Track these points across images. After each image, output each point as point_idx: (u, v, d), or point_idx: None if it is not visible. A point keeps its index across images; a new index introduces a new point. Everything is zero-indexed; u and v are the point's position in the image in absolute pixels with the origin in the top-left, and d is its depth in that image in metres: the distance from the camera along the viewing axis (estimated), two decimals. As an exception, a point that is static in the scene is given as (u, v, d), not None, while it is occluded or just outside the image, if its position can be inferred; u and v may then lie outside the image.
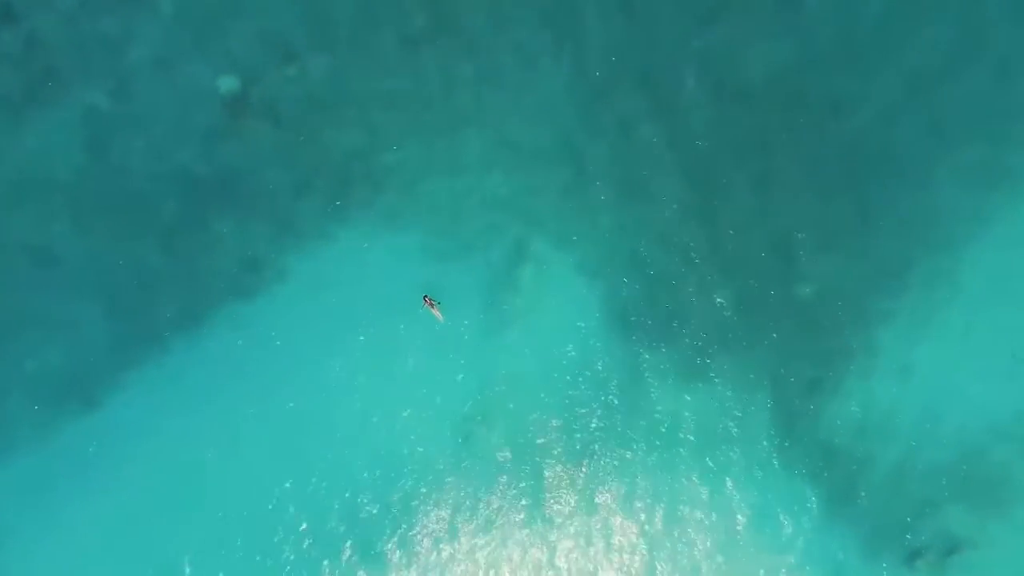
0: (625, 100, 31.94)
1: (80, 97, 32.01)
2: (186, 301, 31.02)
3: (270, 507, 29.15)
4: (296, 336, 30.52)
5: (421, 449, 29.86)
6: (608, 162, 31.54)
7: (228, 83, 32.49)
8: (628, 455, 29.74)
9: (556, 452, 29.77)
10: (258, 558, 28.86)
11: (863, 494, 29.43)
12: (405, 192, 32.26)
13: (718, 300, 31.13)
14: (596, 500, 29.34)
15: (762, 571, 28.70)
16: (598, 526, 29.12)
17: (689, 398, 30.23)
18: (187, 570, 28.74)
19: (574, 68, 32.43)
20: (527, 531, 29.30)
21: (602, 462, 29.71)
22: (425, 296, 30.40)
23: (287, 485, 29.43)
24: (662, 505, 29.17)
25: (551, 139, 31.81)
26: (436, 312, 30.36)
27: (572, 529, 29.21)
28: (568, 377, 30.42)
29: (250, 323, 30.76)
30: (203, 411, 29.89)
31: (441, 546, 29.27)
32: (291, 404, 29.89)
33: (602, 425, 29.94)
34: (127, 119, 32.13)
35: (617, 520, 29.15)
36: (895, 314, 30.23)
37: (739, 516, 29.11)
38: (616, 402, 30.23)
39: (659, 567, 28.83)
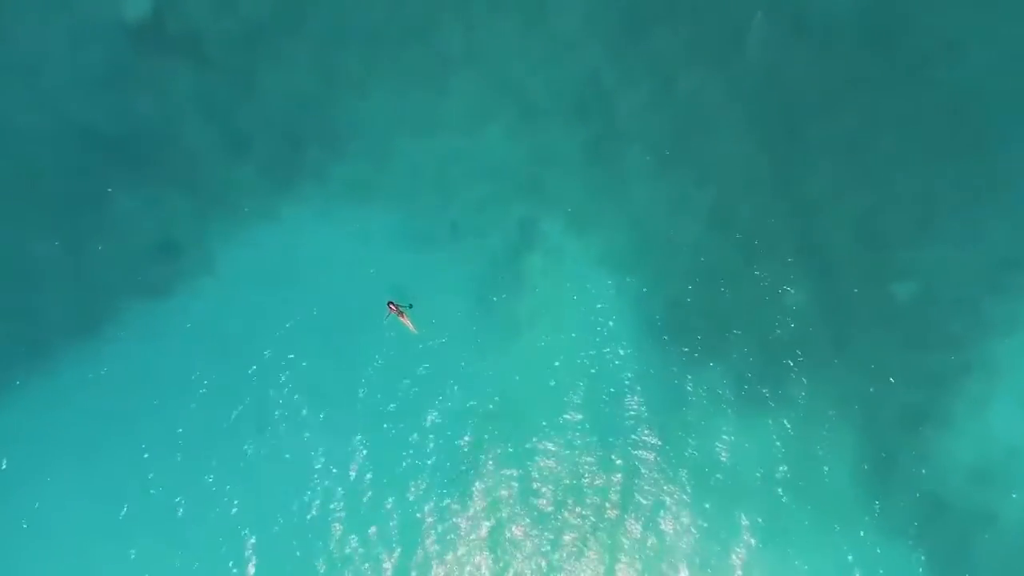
0: (668, 35, 24.85)
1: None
2: (79, 300, 23.54)
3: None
4: (223, 349, 22.94)
5: (392, 504, 22.08)
6: (643, 118, 24.69)
7: (136, 8, 24.50)
8: (667, 511, 22.16)
9: (572, 510, 22.11)
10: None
11: (979, 559, 21.88)
12: (372, 156, 24.94)
13: (788, 302, 23.67)
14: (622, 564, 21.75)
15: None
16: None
17: (749, 432, 22.71)
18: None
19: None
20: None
21: (633, 520, 22.06)
22: (391, 302, 22.74)
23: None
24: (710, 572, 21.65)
25: (568, 86, 25.10)
26: (406, 321, 22.63)
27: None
28: (585, 406, 22.93)
29: (163, 330, 23.25)
30: (95, 452, 21.89)
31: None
32: (213, 464, 22.03)
33: (630, 472, 22.35)
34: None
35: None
36: (1022, 321, 22.98)
37: (817, 588, 21.72)
38: (651, 439, 22.67)
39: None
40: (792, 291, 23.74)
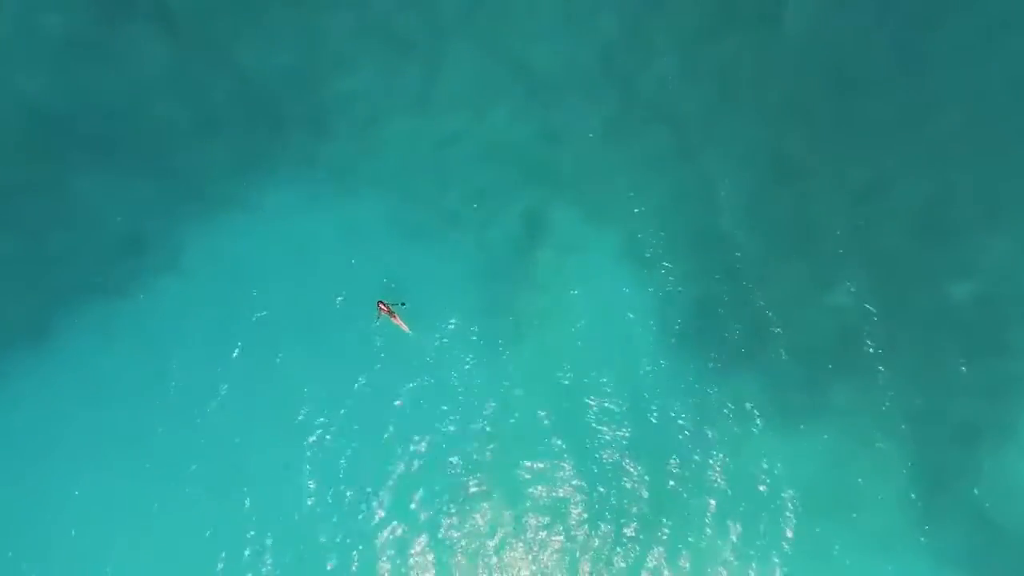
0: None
1: None
2: (31, 301, 20.92)
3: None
4: (191, 354, 20.41)
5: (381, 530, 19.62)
6: (667, 95, 22.06)
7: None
8: (692, 535, 19.61)
9: (586, 535, 19.61)
10: None
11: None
12: (361, 137, 22.29)
13: (830, 302, 21.04)
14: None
15: None
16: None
17: (784, 448, 20.21)
18: None
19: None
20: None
21: (655, 545, 19.55)
22: (380, 301, 20.09)
23: None
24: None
25: (581, 58, 22.48)
26: (398, 321, 20.07)
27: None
28: (598, 421, 20.32)
29: (125, 333, 20.62)
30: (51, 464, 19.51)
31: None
32: (193, 466, 19.58)
33: (651, 494, 19.81)
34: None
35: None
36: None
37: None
38: (673, 457, 20.09)
39: None
40: (835, 290, 21.06)
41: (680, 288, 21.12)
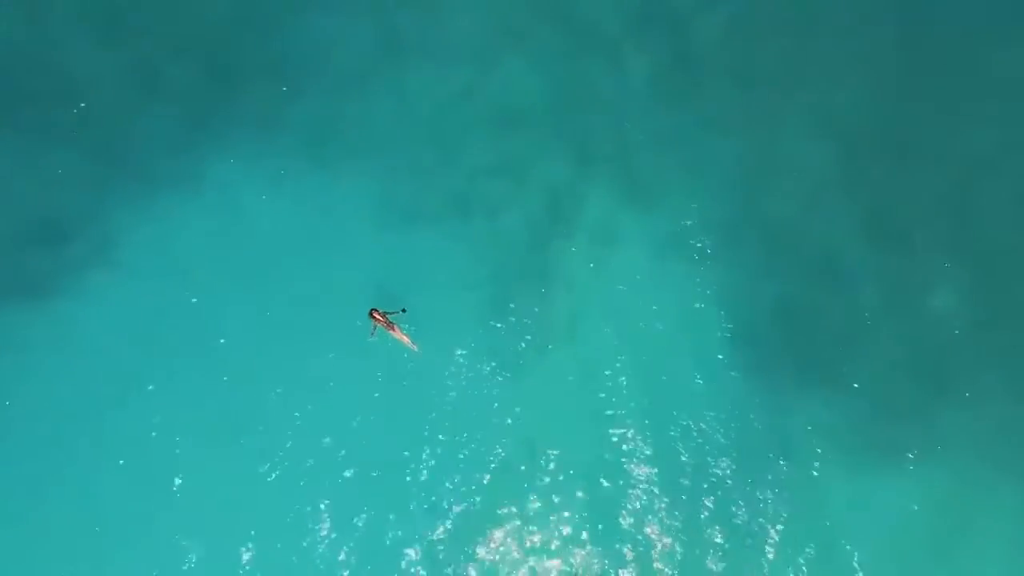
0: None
1: None
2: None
3: None
4: (123, 375, 15.81)
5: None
6: (729, 46, 17.76)
7: None
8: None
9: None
10: None
11: None
12: (340, 96, 17.67)
13: (926, 309, 16.78)
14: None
15: None
16: None
17: (866, 491, 15.93)
18: None
19: None
20: None
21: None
22: (373, 310, 15.61)
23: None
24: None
25: None
26: (398, 334, 15.70)
27: None
28: (636, 452, 15.87)
29: (41, 343, 16.03)
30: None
31: None
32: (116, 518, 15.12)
33: (695, 548, 15.55)
34: None
35: None
36: None
37: None
38: (727, 501, 15.79)
39: None
40: (933, 293, 16.83)
41: (741, 291, 16.77)
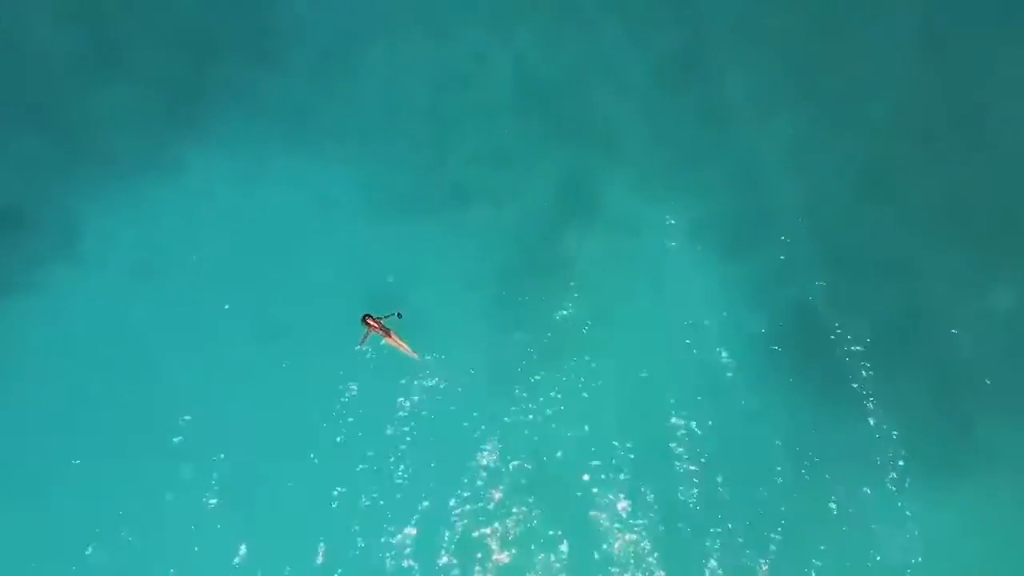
0: None
1: None
2: None
3: None
4: (85, 379, 13.96)
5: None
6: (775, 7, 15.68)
7: None
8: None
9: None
10: None
11: None
12: (327, 74, 16.07)
13: (996, 304, 14.60)
14: None
15: None
16: None
17: (940, 519, 13.54)
18: None
19: None
20: None
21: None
22: (367, 316, 13.70)
23: None
24: None
25: None
26: (395, 341, 13.79)
27: None
28: (662, 474, 13.70)
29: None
30: None
31: None
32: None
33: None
34: None
35: None
36: None
37: None
38: (768, 529, 13.58)
39: None
40: (997, 290, 14.75)
41: (779, 289, 14.82)
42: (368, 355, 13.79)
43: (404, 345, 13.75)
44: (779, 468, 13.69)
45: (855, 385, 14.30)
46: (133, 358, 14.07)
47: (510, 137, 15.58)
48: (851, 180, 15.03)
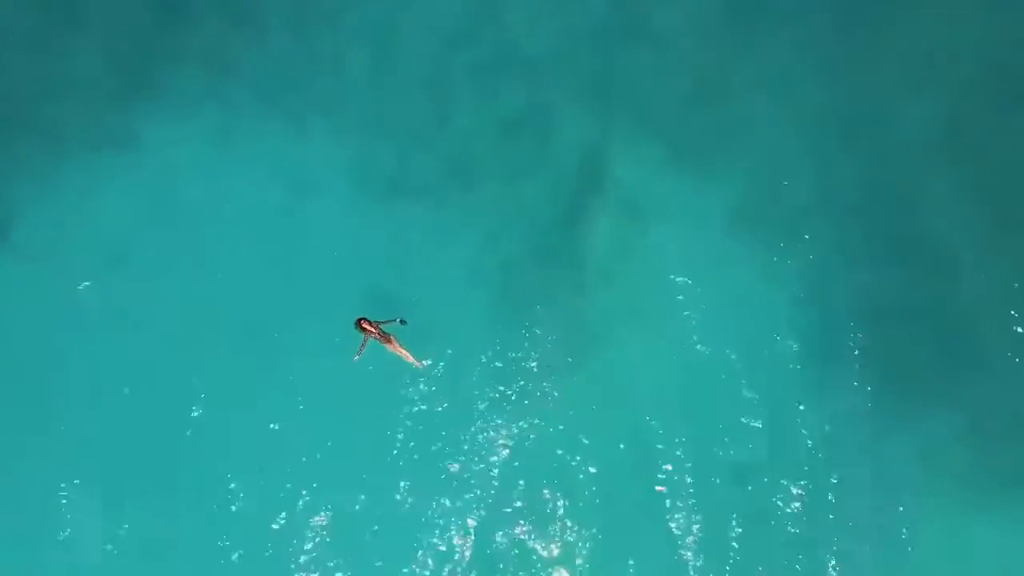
0: None
1: None
2: None
3: None
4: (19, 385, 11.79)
5: None
6: None
7: None
8: None
9: None
10: None
11: None
12: (307, 33, 13.80)
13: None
14: None
15: None
16: None
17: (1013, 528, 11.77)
18: None
19: None
20: None
21: None
22: (363, 319, 11.46)
23: None
24: None
25: None
26: (397, 349, 11.56)
27: None
28: (701, 489, 11.74)
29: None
30: None
31: None
32: None
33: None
34: None
35: None
36: None
37: None
38: (823, 549, 11.68)
39: None
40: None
41: (836, 280, 12.76)
42: (369, 367, 11.65)
43: (406, 353, 11.58)
44: (835, 473, 11.74)
45: (923, 390, 12.34)
46: (67, 357, 11.87)
47: (521, 104, 13.33)
48: (927, 154, 12.95)
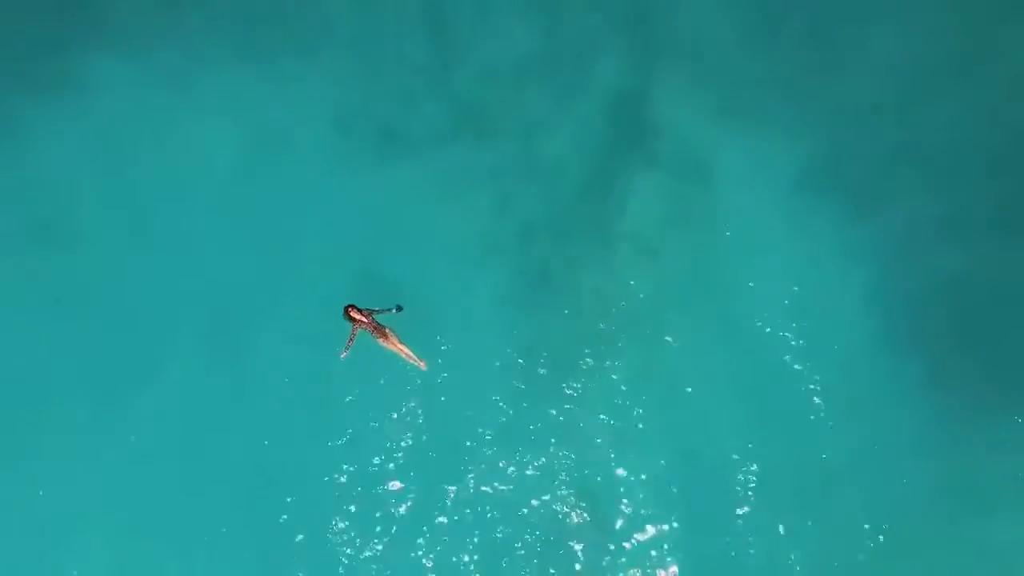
0: None
1: None
2: None
3: None
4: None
5: None
6: None
7: None
8: None
9: None
10: None
11: None
12: None
13: None
14: None
15: None
16: None
17: None
18: None
19: None
20: None
21: None
22: (351, 306, 9.42)
23: None
24: None
25: None
26: (394, 344, 9.46)
27: None
28: (767, 504, 9.66)
29: None
30: None
31: None
32: None
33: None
34: None
35: None
36: None
37: None
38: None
39: None
40: None
41: (922, 256, 10.54)
42: (357, 364, 9.52)
43: (406, 349, 9.45)
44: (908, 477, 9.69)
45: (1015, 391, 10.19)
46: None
47: (541, 42, 11.01)
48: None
